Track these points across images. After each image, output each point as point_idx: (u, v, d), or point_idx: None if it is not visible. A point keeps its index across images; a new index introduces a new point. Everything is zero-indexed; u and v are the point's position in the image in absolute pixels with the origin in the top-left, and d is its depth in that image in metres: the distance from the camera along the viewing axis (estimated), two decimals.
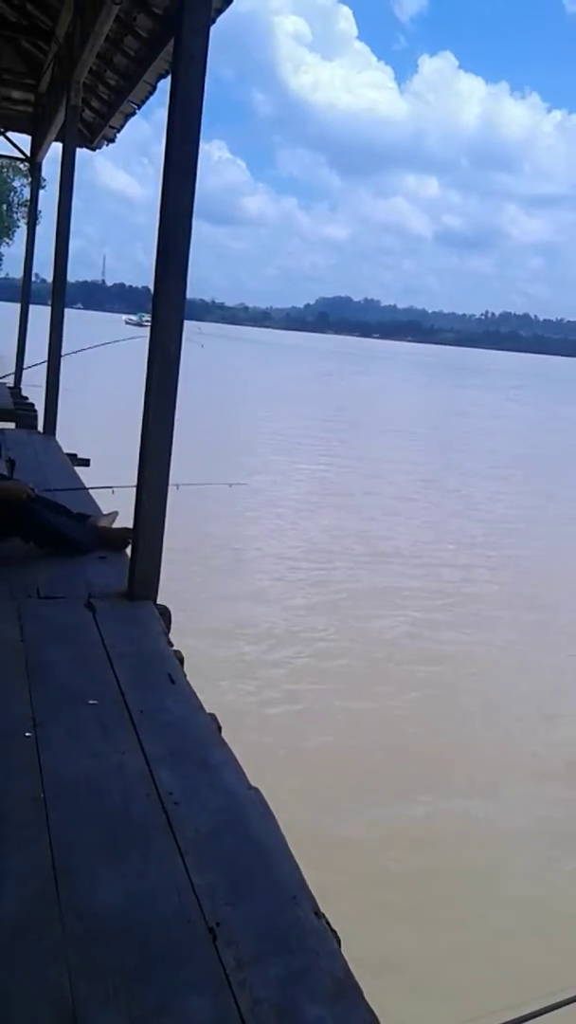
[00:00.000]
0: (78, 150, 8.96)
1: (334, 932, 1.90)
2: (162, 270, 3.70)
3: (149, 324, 3.90)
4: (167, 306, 3.74)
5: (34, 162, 13.26)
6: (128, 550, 4.16)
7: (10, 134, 14.15)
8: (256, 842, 2.17)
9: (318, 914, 1.92)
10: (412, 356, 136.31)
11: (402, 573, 10.69)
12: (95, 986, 1.65)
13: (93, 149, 12.10)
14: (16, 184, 32.95)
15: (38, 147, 12.70)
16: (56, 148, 10.19)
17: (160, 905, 1.90)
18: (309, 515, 13.65)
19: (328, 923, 1.92)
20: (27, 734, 2.57)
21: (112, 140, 11.79)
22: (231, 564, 10.45)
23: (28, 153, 13.56)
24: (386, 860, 4.80)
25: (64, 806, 2.23)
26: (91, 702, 2.82)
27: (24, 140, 13.81)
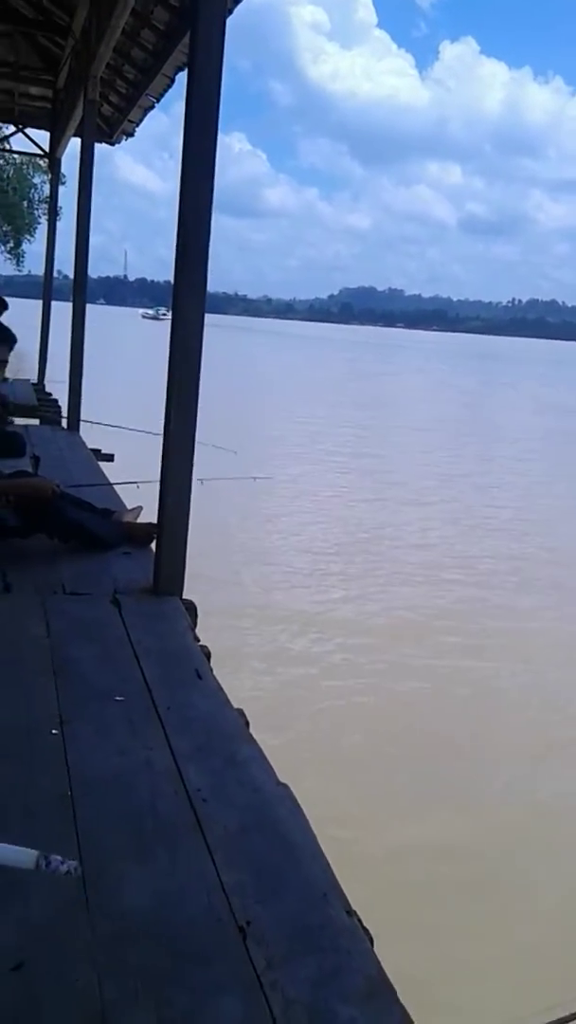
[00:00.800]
0: (97, 145, 8.95)
1: (366, 931, 1.87)
2: (182, 264, 3.67)
3: (166, 317, 3.88)
4: (188, 300, 3.71)
5: (53, 158, 13.29)
6: (153, 545, 4.15)
7: (29, 130, 14.20)
8: (286, 839, 2.14)
9: (350, 912, 1.90)
10: (436, 345, 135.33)
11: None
12: (124, 987, 1.63)
13: (112, 144, 12.10)
14: (36, 181, 32.98)
15: (57, 143, 12.72)
16: (75, 143, 10.20)
17: (189, 904, 1.88)
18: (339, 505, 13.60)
19: (360, 921, 1.89)
20: (53, 731, 2.55)
21: (131, 134, 11.79)
22: (258, 555, 10.44)
23: (47, 149, 13.59)
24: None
25: (91, 804, 2.22)
26: (118, 698, 2.80)
27: (43, 136, 13.86)
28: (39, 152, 14.56)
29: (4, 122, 14.78)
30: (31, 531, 4.37)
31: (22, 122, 13.80)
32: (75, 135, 11.20)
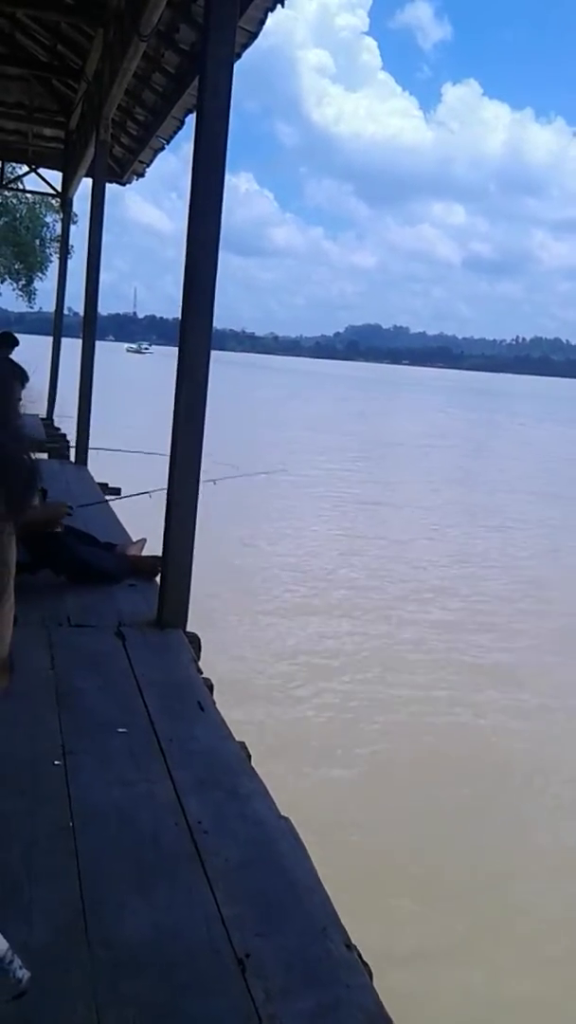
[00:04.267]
0: (108, 185, 9.12)
1: (366, 965, 1.87)
2: (189, 301, 3.74)
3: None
4: (195, 335, 3.77)
5: (65, 197, 13.52)
6: (158, 578, 4.17)
7: (42, 171, 14.47)
8: (286, 872, 2.14)
9: (349, 946, 1.89)
10: (439, 382, 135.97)
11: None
12: (123, 1018, 1.63)
13: (123, 184, 12.31)
14: (48, 220, 33.52)
15: (69, 183, 12.94)
16: (87, 183, 10.38)
17: (189, 936, 1.88)
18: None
19: (360, 955, 1.88)
20: (56, 762, 2.57)
21: (141, 175, 11.99)
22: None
23: (59, 189, 13.83)
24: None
25: (93, 835, 2.22)
26: (120, 730, 2.81)
27: (55, 176, 14.12)
28: (51, 192, 14.84)
29: (18, 162, 15.06)
30: (39, 567, 4.39)
31: (35, 162, 14.07)
32: (87, 175, 11.39)
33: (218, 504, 7.56)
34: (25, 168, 15.08)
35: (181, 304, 3.80)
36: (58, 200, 15.13)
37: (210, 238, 3.73)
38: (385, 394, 69.15)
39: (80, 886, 2.01)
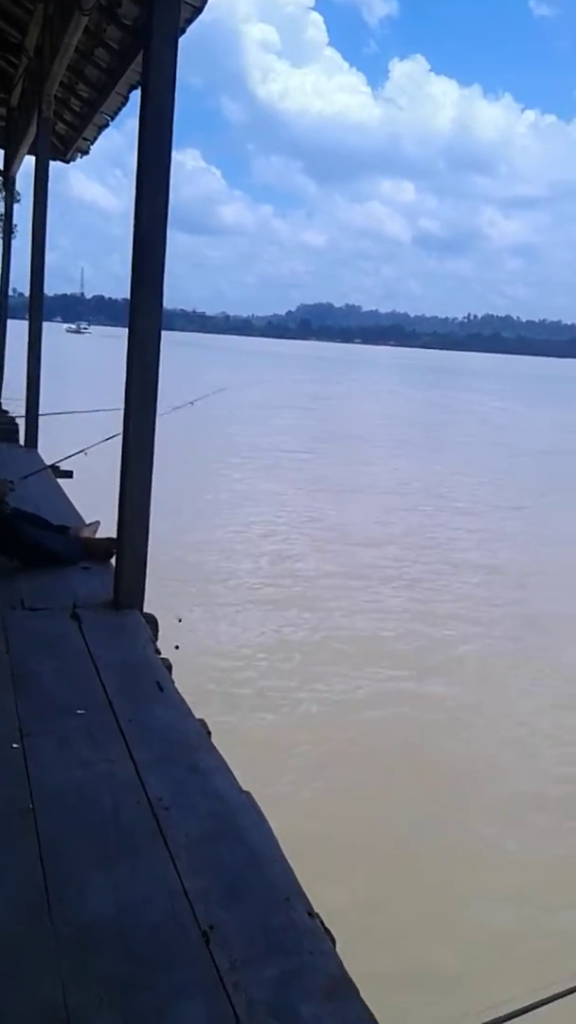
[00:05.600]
0: (52, 163, 8.94)
1: (328, 932, 1.90)
2: (138, 280, 3.70)
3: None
4: (145, 315, 3.74)
5: (7, 176, 13.23)
6: (113, 560, 4.14)
7: None
8: (248, 845, 2.16)
9: (311, 914, 1.92)
10: (392, 360, 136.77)
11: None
12: (89, 995, 1.64)
13: (67, 161, 12.08)
14: None
15: (11, 161, 12.69)
16: (29, 161, 10.19)
17: (152, 911, 1.89)
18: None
19: (322, 923, 1.91)
20: (14, 745, 2.55)
21: (86, 152, 11.78)
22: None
23: (1, 167, 13.54)
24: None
25: (54, 816, 2.22)
26: (79, 712, 2.80)
27: None
28: None
29: None
30: None
31: None
32: (29, 153, 11.18)
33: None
34: None
35: (130, 283, 3.76)
36: (0, 179, 14.83)
37: (158, 216, 3.69)
38: (341, 375, 69.44)
39: (42, 866, 2.01)
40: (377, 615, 9.09)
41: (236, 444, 21.31)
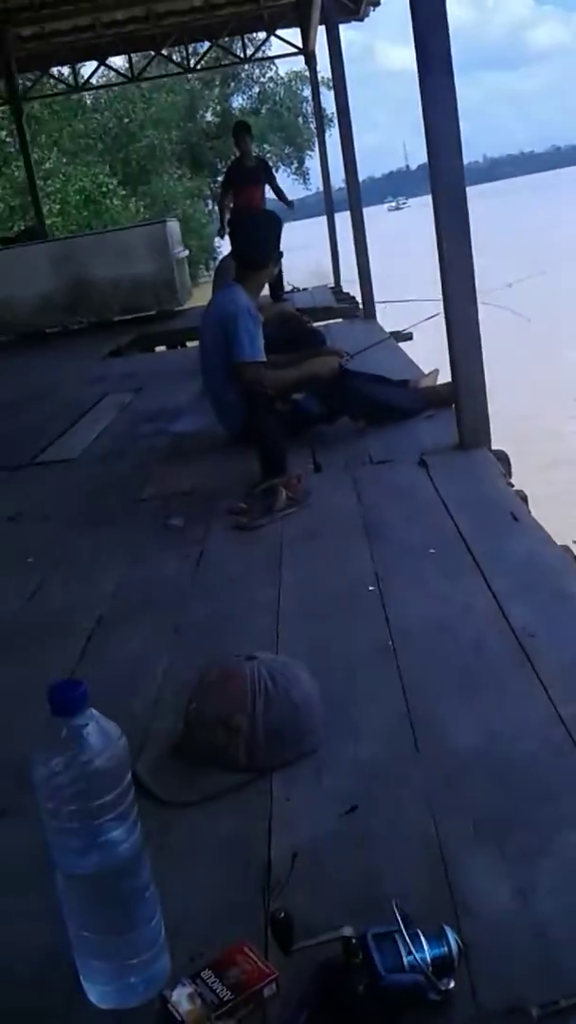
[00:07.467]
0: (355, 37, 8.77)
1: None
2: (432, 129, 3.35)
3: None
4: (446, 151, 3.37)
5: (307, 51, 13.01)
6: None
7: (283, 32, 14.03)
8: None
9: None
10: None
11: None
12: (462, 828, 1.51)
13: (360, 19, 11.61)
14: (306, 93, 32.58)
15: (307, 35, 12.43)
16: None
17: (525, 741, 1.72)
18: None
19: None
20: (371, 588, 2.49)
21: (376, 3, 11.23)
22: None
23: (300, 46, 13.35)
24: None
25: (413, 651, 2.12)
26: (431, 551, 2.67)
27: (297, 36, 13.62)
28: (294, 50, 14.32)
29: (256, 31, 14.71)
30: (335, 416, 4.33)
31: (272, 25, 13.67)
32: (320, 23, 10.86)
33: None
34: (264, 35, 14.74)
35: (425, 141, 3.42)
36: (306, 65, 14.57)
37: (440, 54, 3.27)
38: None
39: (405, 701, 1.92)
40: None
41: None
